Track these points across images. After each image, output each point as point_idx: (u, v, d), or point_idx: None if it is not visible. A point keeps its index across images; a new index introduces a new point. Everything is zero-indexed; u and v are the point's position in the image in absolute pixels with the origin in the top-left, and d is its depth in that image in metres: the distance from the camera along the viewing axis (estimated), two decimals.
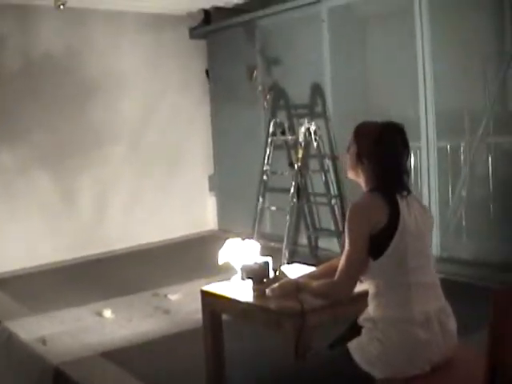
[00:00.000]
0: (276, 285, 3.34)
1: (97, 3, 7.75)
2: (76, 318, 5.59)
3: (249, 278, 3.64)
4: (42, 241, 7.71)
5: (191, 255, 8.03)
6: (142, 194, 8.63)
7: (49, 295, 6.38)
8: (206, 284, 5.88)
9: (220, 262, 4.01)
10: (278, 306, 3.27)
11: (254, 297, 3.52)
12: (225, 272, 6.25)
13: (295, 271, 3.68)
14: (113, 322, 5.47)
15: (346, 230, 2.88)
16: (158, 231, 8.65)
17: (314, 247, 7.43)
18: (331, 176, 7.09)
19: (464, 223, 6.34)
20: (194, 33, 9.07)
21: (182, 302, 5.93)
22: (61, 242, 7.84)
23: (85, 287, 6.58)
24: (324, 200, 7.24)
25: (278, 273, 3.61)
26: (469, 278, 5.73)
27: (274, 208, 7.22)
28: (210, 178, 9.41)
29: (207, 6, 8.47)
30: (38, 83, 7.69)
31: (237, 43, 8.57)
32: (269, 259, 3.72)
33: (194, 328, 5.13)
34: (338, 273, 2.91)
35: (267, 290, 3.42)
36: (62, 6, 6.53)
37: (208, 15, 9.02)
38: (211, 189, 9.42)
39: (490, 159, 6.19)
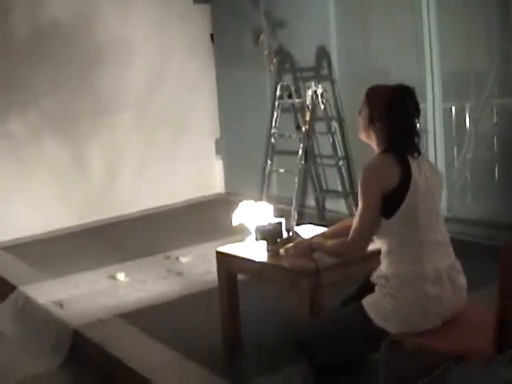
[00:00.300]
0: (290, 245, 3.45)
1: None
2: (90, 282, 5.70)
3: (263, 238, 3.74)
4: (52, 206, 7.79)
5: (199, 218, 8.12)
6: (149, 159, 8.69)
7: (62, 260, 6.47)
8: (216, 246, 6.00)
9: (234, 224, 4.10)
10: (293, 265, 3.37)
11: (269, 257, 3.63)
12: (236, 234, 6.38)
13: (307, 232, 3.78)
14: (127, 285, 5.58)
15: (359, 190, 2.97)
16: (166, 195, 8.72)
17: (321, 209, 7.51)
18: (338, 138, 7.15)
19: (469, 184, 6.41)
20: None
21: (193, 264, 6.04)
22: (71, 208, 7.93)
23: (97, 251, 6.68)
24: (331, 162, 7.30)
25: (291, 233, 3.71)
26: (474, 238, 5.79)
27: (282, 170, 7.29)
28: (217, 142, 9.47)
29: None
30: (46, 51, 7.71)
31: (241, 7, 8.55)
32: (282, 220, 3.82)
33: (206, 289, 5.26)
34: (351, 232, 3.01)
35: (281, 250, 3.54)
36: None
37: None
38: (218, 152, 9.48)
39: (494, 121, 6.24)
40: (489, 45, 6.29)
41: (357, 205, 6.70)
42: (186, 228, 7.55)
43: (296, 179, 6.89)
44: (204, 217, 8.23)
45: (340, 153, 7.14)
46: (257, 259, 3.64)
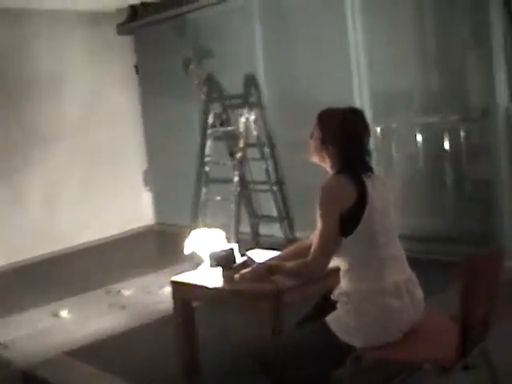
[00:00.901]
0: (248, 270, 3.48)
1: (26, 2, 7.69)
2: (33, 321, 5.60)
3: (218, 265, 3.77)
4: None
5: (133, 250, 8.13)
6: (79, 193, 8.63)
7: (1, 300, 6.34)
8: (157, 277, 6.06)
9: (186, 252, 4.11)
10: (253, 289, 3.41)
11: (225, 282, 3.66)
12: (173, 264, 6.42)
13: (260, 256, 3.82)
14: (71, 322, 5.51)
15: (317, 211, 3.03)
16: (97, 229, 8.66)
17: (256, 234, 7.57)
18: (270, 163, 7.23)
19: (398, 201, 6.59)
20: (121, 29, 9.07)
21: (135, 297, 6.02)
22: (4, 245, 7.78)
23: (37, 289, 6.59)
24: (264, 187, 7.38)
25: (245, 258, 3.75)
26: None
27: (218, 198, 7.32)
28: (145, 173, 9.46)
29: (136, 1, 8.46)
30: None
31: (166, 37, 8.63)
32: (235, 246, 3.86)
33: (153, 320, 5.32)
34: (312, 252, 3.07)
35: (236, 275, 3.57)
36: None
37: (135, 11, 9.04)
38: (146, 184, 9.46)
39: (419, 139, 6.45)
40: (411, 66, 6.51)
41: (291, 228, 6.86)
42: (122, 261, 7.53)
43: (232, 206, 6.93)
44: (137, 249, 8.25)
45: (273, 178, 7.22)
46: (213, 286, 3.66)
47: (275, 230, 7.42)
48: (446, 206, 6.36)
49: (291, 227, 7.16)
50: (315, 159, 3.26)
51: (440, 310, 3.27)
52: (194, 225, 7.67)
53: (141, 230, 9.17)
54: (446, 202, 6.38)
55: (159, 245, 8.74)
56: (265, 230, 7.62)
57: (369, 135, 3.17)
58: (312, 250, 3.08)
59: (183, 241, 7.23)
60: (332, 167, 3.16)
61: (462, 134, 6.16)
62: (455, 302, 2.77)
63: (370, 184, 3.04)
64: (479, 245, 5.69)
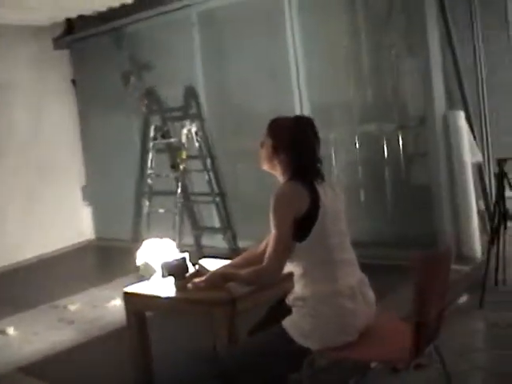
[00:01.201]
0: (201, 278, 3.52)
1: None
2: None
3: (170, 274, 3.79)
4: None
5: (75, 265, 8.08)
6: (17, 208, 8.50)
7: None
8: (100, 291, 6.05)
9: (138, 263, 4.13)
10: (207, 297, 3.45)
11: (178, 292, 3.69)
12: (116, 277, 6.41)
13: (212, 265, 3.87)
14: (19, 339, 5.42)
15: (271, 218, 3.10)
16: (37, 245, 8.53)
17: (199, 245, 7.62)
18: (212, 175, 7.30)
19: None
20: (57, 43, 9.01)
21: (82, 311, 5.97)
22: None
23: None
24: (206, 199, 7.45)
25: (197, 267, 3.79)
26: None
27: (162, 210, 7.34)
28: (84, 189, 9.40)
29: (72, 15, 8.40)
30: None
31: (104, 51, 8.60)
32: (186, 255, 3.89)
33: (103, 334, 5.30)
34: (266, 258, 3.13)
35: (189, 284, 3.60)
36: None
37: (71, 24, 9.00)
38: (85, 199, 9.40)
39: (357, 147, 6.61)
40: (349, 75, 6.66)
41: (234, 239, 6.93)
42: (65, 276, 7.46)
43: (176, 218, 6.97)
44: (79, 264, 8.22)
45: (215, 189, 7.29)
46: (167, 295, 3.68)
47: (218, 241, 7.50)
48: (388, 212, 6.53)
49: (234, 238, 7.25)
50: (266, 167, 3.33)
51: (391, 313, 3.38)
52: (135, 238, 7.70)
53: (81, 245, 9.08)
54: (388, 208, 6.55)
55: (101, 259, 8.69)
56: (207, 241, 7.69)
57: (319, 143, 3.26)
58: (266, 256, 3.14)
59: (124, 255, 7.29)
60: (283, 174, 3.23)
61: (401, 141, 6.33)
62: (403, 305, 2.87)
63: (321, 190, 3.13)
64: (421, 248, 5.82)
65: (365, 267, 3.28)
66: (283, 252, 3.10)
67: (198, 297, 3.52)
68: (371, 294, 3.22)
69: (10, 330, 5.57)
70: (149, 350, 3.97)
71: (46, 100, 8.88)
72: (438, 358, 3.13)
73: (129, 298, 3.92)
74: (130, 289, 3.96)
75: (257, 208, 6.26)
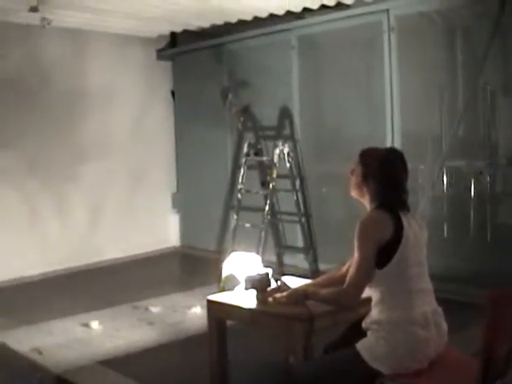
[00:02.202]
0: (283, 294, 3.69)
1: (82, 24, 8.02)
2: (64, 330, 5.80)
3: (253, 287, 3.97)
4: (19, 254, 7.89)
5: (159, 270, 8.36)
6: (108, 211, 8.89)
7: (33, 308, 6.58)
8: (183, 297, 6.27)
9: (223, 273, 4.31)
10: (286, 312, 3.61)
11: (259, 304, 3.86)
12: (203, 286, 6.63)
13: (293, 282, 4.03)
14: (102, 333, 5.71)
15: (356, 242, 3.24)
16: (123, 247, 8.91)
17: (281, 263, 7.78)
18: (300, 196, 7.47)
19: None
20: (160, 54, 9.40)
21: (163, 314, 6.22)
22: (34, 256, 8.05)
23: (66, 300, 6.81)
24: (292, 218, 7.62)
25: (279, 283, 3.96)
26: None
27: (248, 225, 7.54)
28: (174, 196, 9.70)
29: (177, 29, 8.76)
30: (28, 94, 8.00)
31: (204, 65, 8.94)
32: (269, 270, 4.07)
33: (182, 338, 5.53)
34: (347, 281, 3.27)
35: (269, 298, 3.78)
36: (47, 26, 6.79)
37: (174, 38, 9.37)
38: (174, 206, 9.70)
39: (444, 181, 6.65)
40: (442, 110, 6.72)
41: (315, 260, 7.04)
42: (149, 279, 7.73)
43: (262, 234, 7.15)
44: (163, 269, 8.49)
45: (302, 210, 7.45)
46: (248, 307, 3.86)
47: (299, 261, 7.65)
48: (469, 248, 6.53)
49: (316, 259, 7.38)
50: (354, 194, 3.48)
51: (460, 348, 3.44)
52: (219, 249, 7.93)
53: (167, 251, 9.40)
54: (469, 244, 6.55)
55: (184, 267, 8.96)
56: (289, 259, 7.85)
57: (407, 176, 3.39)
58: (347, 279, 3.28)
59: (208, 264, 7.53)
60: (371, 202, 3.38)
61: (489, 179, 6.35)
62: (473, 342, 2.95)
63: (405, 220, 3.25)
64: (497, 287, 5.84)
65: (439, 301, 3.36)
66: (364, 277, 3.23)
67: (277, 311, 3.68)
68: (444, 325, 3.31)
69: (94, 325, 5.86)
70: (226, 357, 4.15)
71: (146, 108, 9.27)
72: None
73: (212, 305, 4.11)
74: (214, 297, 4.15)
75: (340, 232, 6.43)
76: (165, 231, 9.63)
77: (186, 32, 8.85)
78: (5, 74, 7.78)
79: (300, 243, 7.68)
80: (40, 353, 5.21)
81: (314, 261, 7.38)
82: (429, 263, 3.39)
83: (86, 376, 4.72)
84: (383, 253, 3.19)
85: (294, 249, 7.78)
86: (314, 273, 6.81)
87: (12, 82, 7.83)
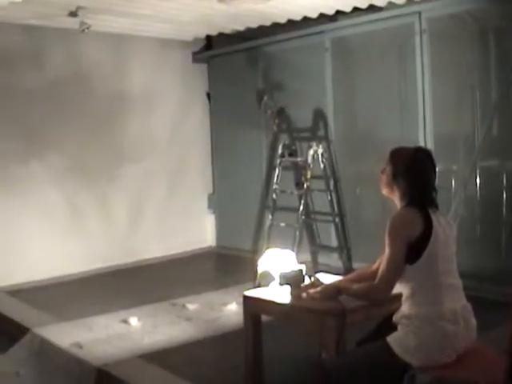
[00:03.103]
0: (317, 289, 3.81)
1: (117, 28, 8.21)
2: (104, 325, 5.97)
3: (287, 283, 4.10)
4: (61, 252, 8.15)
5: (196, 269, 8.51)
6: (146, 211, 9.09)
7: (72, 304, 6.77)
8: (219, 295, 6.41)
9: (259, 270, 4.45)
10: (320, 307, 3.73)
11: (293, 300, 3.99)
12: (238, 284, 6.76)
13: (326, 278, 4.15)
14: (140, 329, 5.86)
15: (387, 239, 3.35)
16: (160, 247, 9.11)
17: (315, 262, 7.90)
18: (334, 196, 7.58)
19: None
20: (196, 57, 9.57)
21: (200, 311, 6.36)
22: (74, 255, 8.28)
23: (104, 297, 7.00)
24: (325, 218, 7.73)
25: (312, 279, 4.09)
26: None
27: (283, 224, 7.67)
28: (209, 197, 9.86)
29: (213, 32, 8.92)
30: (70, 95, 8.25)
31: (239, 68, 9.10)
32: (303, 267, 4.19)
33: (219, 334, 5.66)
34: (379, 276, 3.39)
35: (303, 294, 3.91)
36: (86, 30, 7.00)
37: (210, 41, 9.54)
38: (210, 207, 9.86)
39: (477, 181, 6.69)
40: (475, 110, 6.77)
41: (349, 259, 7.14)
42: (185, 278, 7.90)
43: (297, 233, 7.27)
44: (199, 268, 8.62)
45: (336, 210, 7.56)
46: (283, 302, 3.99)
47: (333, 260, 7.77)
48: (501, 248, 6.58)
49: (349, 258, 7.48)
50: (385, 192, 3.60)
51: (489, 346, 3.52)
52: (255, 249, 8.07)
53: (203, 250, 9.58)
54: (500, 244, 6.60)
55: (220, 266, 9.10)
56: (323, 259, 7.95)
57: (435, 174, 3.50)
58: (379, 274, 3.39)
59: (243, 263, 7.66)
60: (401, 200, 3.49)
61: None
62: (502, 340, 3.03)
63: (434, 217, 3.36)
64: None
65: (470, 299, 3.44)
66: (394, 273, 3.34)
67: (311, 306, 3.81)
68: (473, 321, 3.41)
69: (133, 321, 6.02)
70: (260, 351, 4.28)
71: (182, 111, 9.44)
72: None
73: (248, 301, 4.25)
74: (250, 293, 4.29)
75: (374, 231, 6.52)
76: (201, 232, 9.80)
77: (221, 35, 9.01)
78: (47, 78, 8.01)
79: (334, 242, 7.79)
80: (80, 347, 5.37)
81: (348, 260, 7.49)
82: (460, 262, 3.49)
83: (125, 369, 4.86)
84: (413, 249, 3.30)
85: (328, 248, 7.90)
86: (347, 272, 6.90)
87: (54, 85, 8.06)
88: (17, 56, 7.77)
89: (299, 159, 7.76)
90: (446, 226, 3.43)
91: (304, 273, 4.15)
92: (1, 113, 7.70)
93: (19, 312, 6.66)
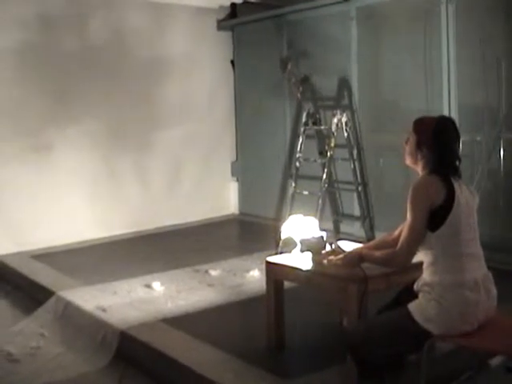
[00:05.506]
0: (339, 256, 3.85)
1: None
2: (127, 290, 6.05)
3: (308, 250, 4.15)
4: (82, 218, 8.27)
5: (218, 236, 8.56)
6: (170, 179, 9.16)
7: (96, 269, 6.87)
8: (241, 262, 6.45)
9: (282, 237, 4.49)
10: (342, 273, 3.77)
11: (314, 266, 4.03)
12: (260, 251, 6.81)
13: (347, 246, 4.18)
14: (163, 294, 5.94)
15: (408, 206, 3.37)
16: (183, 213, 9.19)
17: (337, 231, 7.93)
18: (357, 165, 7.58)
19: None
20: (221, 25, 9.55)
21: (222, 277, 6.42)
22: (99, 220, 8.41)
23: (128, 262, 7.09)
24: (348, 187, 7.74)
25: (333, 246, 4.12)
26: None
27: (306, 193, 7.69)
28: (233, 164, 9.89)
29: (238, 0, 8.91)
30: (104, 61, 8.38)
31: (264, 36, 9.07)
32: (324, 234, 4.23)
33: (241, 299, 5.73)
34: (400, 243, 3.41)
35: (324, 261, 3.95)
36: None
37: (234, 8, 9.52)
38: (233, 174, 9.90)
39: (501, 152, 6.66)
40: (500, 81, 6.71)
41: (371, 228, 7.15)
42: (208, 245, 7.95)
43: (320, 202, 7.28)
44: (222, 235, 8.69)
45: (359, 179, 7.56)
46: (305, 268, 4.03)
47: (355, 229, 7.79)
48: None
49: (372, 227, 7.49)
50: (409, 162, 3.60)
51: (510, 316, 3.54)
52: (277, 216, 8.10)
53: (226, 218, 9.65)
54: None
55: (243, 233, 9.16)
56: (345, 227, 7.98)
57: (459, 142, 3.50)
58: (400, 241, 3.41)
59: (266, 231, 7.71)
60: (424, 169, 3.50)
61: None
62: None
63: (457, 186, 3.36)
64: None
65: (489, 269, 3.44)
66: (416, 239, 3.36)
67: (333, 272, 3.85)
68: (494, 290, 3.42)
69: (157, 286, 6.10)
70: (282, 316, 4.35)
71: (207, 78, 9.45)
72: None
73: (270, 266, 4.31)
74: (272, 259, 4.34)
75: (397, 201, 6.50)
76: (224, 199, 9.87)
77: (246, 3, 9.00)
78: (86, 43, 8.14)
79: (357, 212, 7.80)
80: (104, 310, 5.46)
81: (371, 229, 7.50)
82: (482, 232, 3.49)
83: (148, 332, 4.93)
84: (435, 216, 3.31)
85: (350, 217, 7.92)
86: (369, 241, 6.92)
87: (92, 50, 8.19)
88: (59, 19, 7.93)
89: (323, 127, 7.76)
90: (469, 195, 3.44)
91: (325, 240, 4.19)
92: (40, 75, 7.82)
93: (45, 276, 6.77)
